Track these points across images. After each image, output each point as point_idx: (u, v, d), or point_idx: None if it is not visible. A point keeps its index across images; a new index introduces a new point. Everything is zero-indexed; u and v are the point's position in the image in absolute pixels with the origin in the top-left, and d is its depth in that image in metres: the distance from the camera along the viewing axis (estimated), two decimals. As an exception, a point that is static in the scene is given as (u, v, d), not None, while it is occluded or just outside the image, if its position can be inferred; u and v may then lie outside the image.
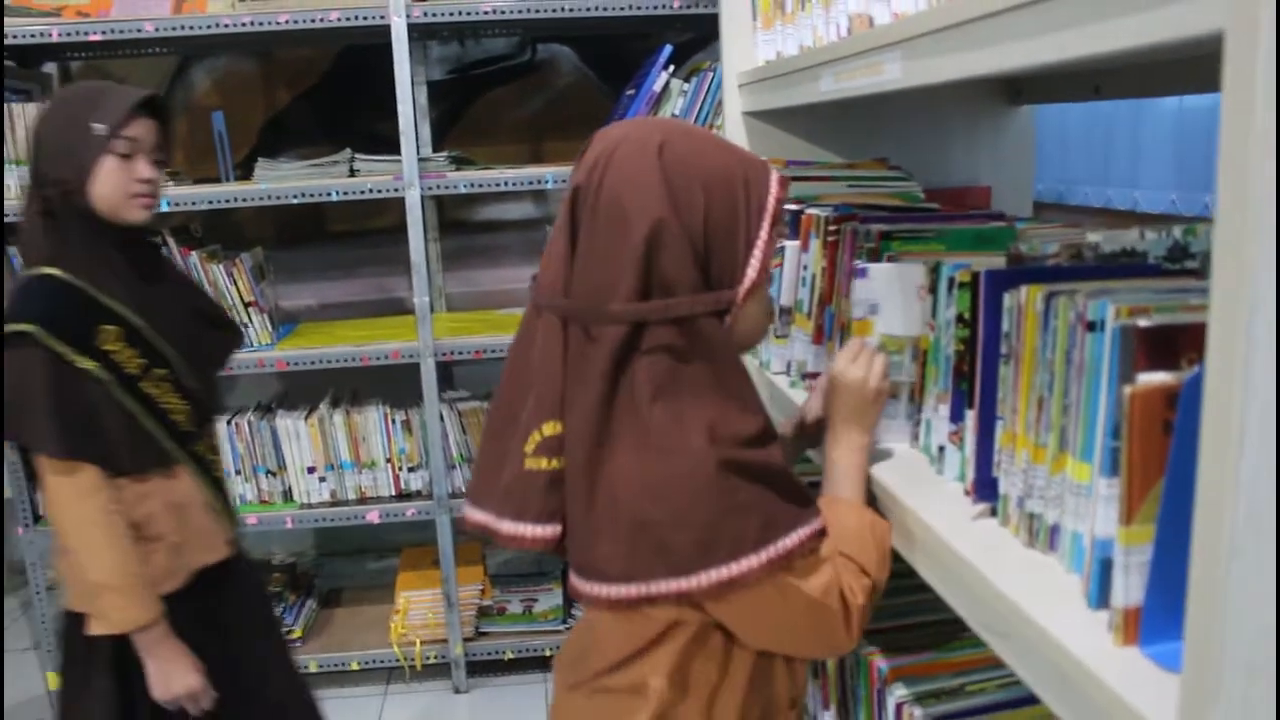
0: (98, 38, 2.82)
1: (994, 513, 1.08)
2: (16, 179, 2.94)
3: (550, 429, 1.12)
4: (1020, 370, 1.01)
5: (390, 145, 2.91)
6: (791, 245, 1.63)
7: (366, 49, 3.36)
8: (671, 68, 2.85)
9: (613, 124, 1.18)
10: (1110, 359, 0.84)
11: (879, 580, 1.19)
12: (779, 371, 1.73)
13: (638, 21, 3.01)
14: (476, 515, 1.18)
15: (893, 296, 1.31)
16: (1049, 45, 0.80)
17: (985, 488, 1.08)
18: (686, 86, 2.86)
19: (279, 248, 3.84)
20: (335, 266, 3.93)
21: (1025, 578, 0.95)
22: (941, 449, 1.22)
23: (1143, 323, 0.79)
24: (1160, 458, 0.76)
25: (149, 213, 1.83)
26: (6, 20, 2.88)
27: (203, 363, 1.96)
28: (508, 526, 1.14)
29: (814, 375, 1.60)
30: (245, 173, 3.15)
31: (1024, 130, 2.00)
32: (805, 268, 1.60)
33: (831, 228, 1.49)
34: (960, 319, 1.14)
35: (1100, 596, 0.85)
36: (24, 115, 2.93)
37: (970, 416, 1.11)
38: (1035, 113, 2.32)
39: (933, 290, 1.24)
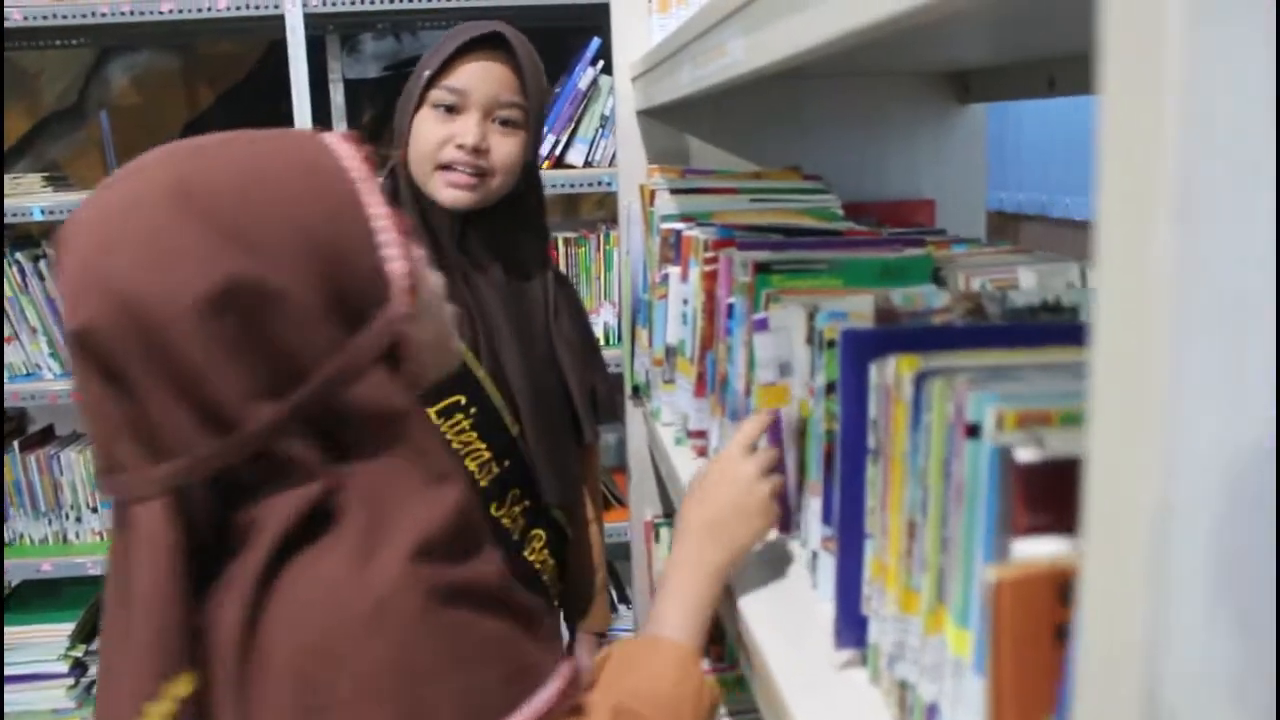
0: (-43, 24, 2.53)
1: (865, 660, 0.78)
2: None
3: (186, 687, 0.69)
4: (890, 474, 0.71)
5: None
6: (673, 272, 1.34)
7: (293, 43, 3.09)
8: (601, 63, 2.56)
9: (79, 209, 0.76)
10: (989, 491, 0.54)
11: None
12: (669, 423, 1.43)
13: (571, 11, 2.71)
14: None
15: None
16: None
17: (852, 628, 0.78)
18: (618, 83, 2.56)
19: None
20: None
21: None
22: (815, 555, 0.92)
23: (1025, 456, 0.49)
24: (1049, 680, 0.46)
25: (465, 195, 1.37)
26: None
27: (541, 407, 1.48)
28: None
29: (699, 434, 1.31)
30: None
31: (974, 133, 1.70)
32: (686, 301, 1.30)
33: (709, 254, 1.20)
34: (830, 388, 0.84)
35: None
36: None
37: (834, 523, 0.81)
38: (1012, 111, 2.02)
39: (809, 342, 0.94)
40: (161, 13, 2.49)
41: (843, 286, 1.07)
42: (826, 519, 0.88)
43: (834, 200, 1.43)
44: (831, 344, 0.83)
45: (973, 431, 0.57)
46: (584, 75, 2.54)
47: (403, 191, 1.41)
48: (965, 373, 0.63)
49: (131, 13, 2.49)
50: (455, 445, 1.43)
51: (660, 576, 0.96)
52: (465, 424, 1.42)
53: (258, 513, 0.71)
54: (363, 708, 0.68)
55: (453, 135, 1.36)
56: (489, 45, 1.37)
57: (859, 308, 0.86)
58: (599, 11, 2.59)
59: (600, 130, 2.58)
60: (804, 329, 0.95)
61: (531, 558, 1.49)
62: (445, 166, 1.37)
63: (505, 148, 1.38)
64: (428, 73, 1.36)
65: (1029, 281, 0.90)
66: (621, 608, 2.68)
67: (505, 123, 1.38)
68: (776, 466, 0.98)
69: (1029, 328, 0.77)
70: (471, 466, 1.44)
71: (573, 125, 2.58)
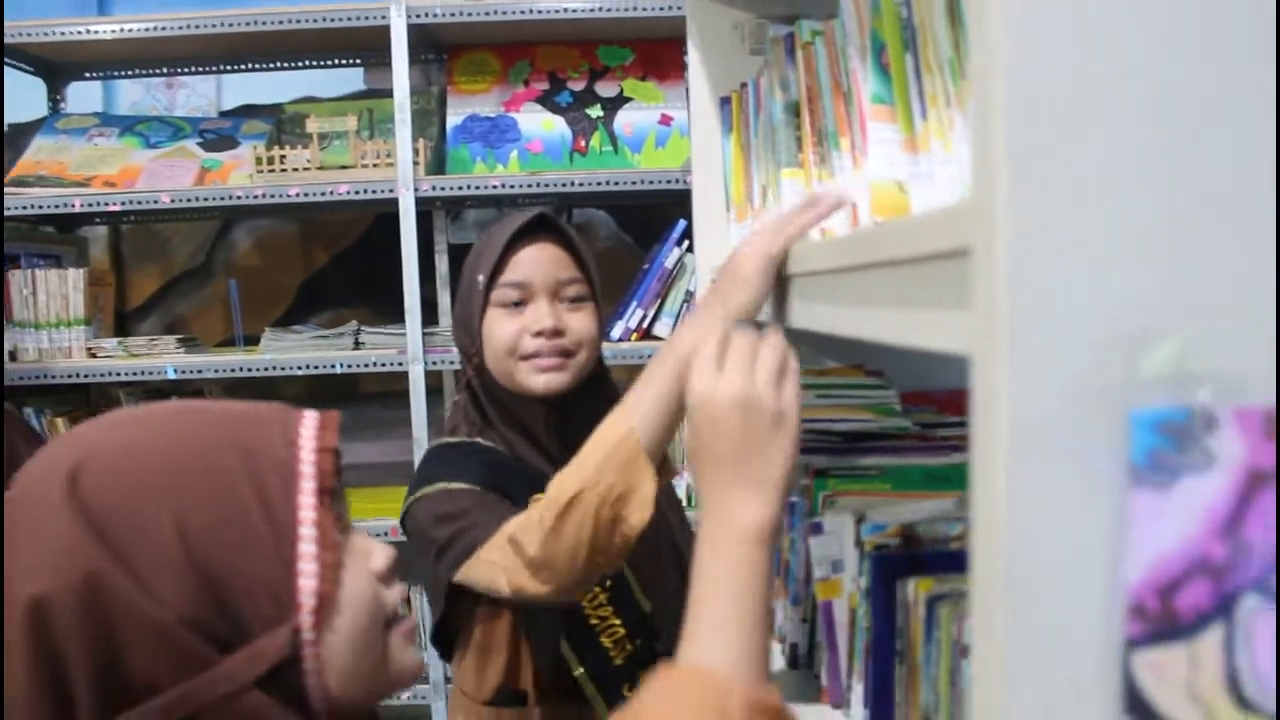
0: (117, 208, 2.85)
1: (897, 836, 0.91)
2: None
3: None
4: (912, 677, 0.85)
5: (427, 309, 2.88)
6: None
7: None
8: (686, 243, 2.77)
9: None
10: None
11: None
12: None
13: (658, 194, 2.94)
14: None
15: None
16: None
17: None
18: (702, 263, 2.77)
19: (310, 405, 3.80)
20: (368, 427, 3.86)
21: None
22: (860, 736, 1.05)
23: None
24: None
25: (556, 377, 1.38)
26: (39, 190, 2.91)
27: (668, 584, 1.42)
28: None
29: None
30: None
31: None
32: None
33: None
34: (867, 594, 0.99)
35: None
36: (47, 281, 2.94)
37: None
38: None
39: (857, 546, 1.09)
40: (290, 196, 2.77)
41: (891, 490, 1.22)
42: (866, 703, 1.02)
43: (893, 396, 1.57)
44: (872, 551, 0.98)
45: (967, 654, 0.72)
46: (670, 254, 2.75)
47: (488, 399, 1.42)
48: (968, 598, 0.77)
49: (264, 195, 2.78)
50: (593, 621, 1.39)
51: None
52: (602, 598, 1.39)
53: None
54: None
55: (526, 325, 1.37)
56: (534, 231, 1.40)
57: (900, 518, 1.01)
58: (685, 195, 2.82)
59: (685, 305, 2.77)
60: (853, 534, 1.10)
61: None
62: (528, 356, 1.37)
63: (580, 322, 1.40)
64: (482, 277, 1.38)
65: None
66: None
67: (573, 300, 1.41)
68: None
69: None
70: (607, 643, 1.40)
71: (659, 300, 2.78)
